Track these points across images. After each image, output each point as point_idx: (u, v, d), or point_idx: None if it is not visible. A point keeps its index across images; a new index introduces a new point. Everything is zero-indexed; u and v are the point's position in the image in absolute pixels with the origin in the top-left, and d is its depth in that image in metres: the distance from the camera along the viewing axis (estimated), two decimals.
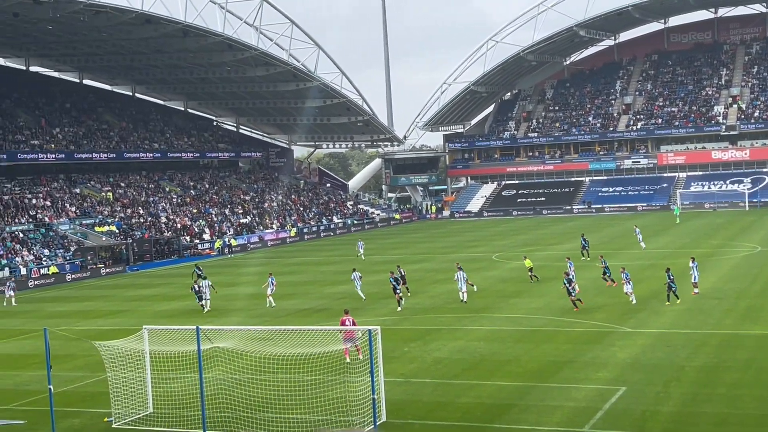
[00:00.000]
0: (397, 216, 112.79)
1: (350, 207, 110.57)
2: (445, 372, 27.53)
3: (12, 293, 52.26)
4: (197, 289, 44.04)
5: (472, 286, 42.92)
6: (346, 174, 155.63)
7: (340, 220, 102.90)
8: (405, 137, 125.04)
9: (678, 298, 36.84)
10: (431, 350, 30.76)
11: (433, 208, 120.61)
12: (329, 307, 42.25)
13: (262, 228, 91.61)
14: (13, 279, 58.38)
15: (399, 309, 39.65)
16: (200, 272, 51.68)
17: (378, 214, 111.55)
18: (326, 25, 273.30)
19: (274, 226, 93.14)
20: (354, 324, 28.78)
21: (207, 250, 79.67)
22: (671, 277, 36.79)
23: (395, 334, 33.56)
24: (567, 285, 37.67)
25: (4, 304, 51.57)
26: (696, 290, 39.04)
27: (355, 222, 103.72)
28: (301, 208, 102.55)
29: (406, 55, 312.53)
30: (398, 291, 40.39)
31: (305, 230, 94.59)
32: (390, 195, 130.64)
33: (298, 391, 24.53)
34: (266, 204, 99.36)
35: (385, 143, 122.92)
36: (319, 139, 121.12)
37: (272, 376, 25.13)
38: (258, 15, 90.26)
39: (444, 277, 48.35)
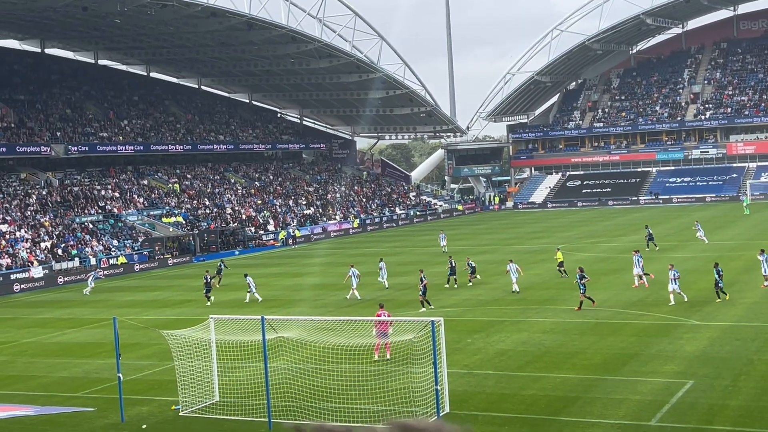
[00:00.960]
0: (460, 207, 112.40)
1: (413, 198, 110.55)
2: (509, 364, 27.40)
3: (92, 284, 53.30)
4: (209, 280, 45.22)
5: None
6: (408, 165, 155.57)
7: (402, 212, 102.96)
8: (468, 128, 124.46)
9: (726, 294, 35.66)
10: (494, 342, 30.65)
11: (497, 199, 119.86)
12: (392, 298, 42.31)
13: (325, 219, 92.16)
14: (98, 270, 59.71)
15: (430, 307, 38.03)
16: (224, 267, 52.85)
17: (441, 206, 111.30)
18: (389, 16, 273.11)
19: (337, 217, 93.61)
20: (387, 321, 27.38)
21: (271, 241, 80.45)
22: (720, 273, 35.66)
23: (459, 325, 33.50)
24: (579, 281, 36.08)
25: (85, 292, 52.60)
26: (766, 283, 38.17)
27: (418, 213, 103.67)
28: (364, 200, 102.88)
29: (470, 46, 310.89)
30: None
31: (368, 221, 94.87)
32: (453, 186, 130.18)
33: (362, 382, 24.66)
34: (329, 195, 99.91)
35: (448, 134, 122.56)
36: (382, 130, 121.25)
37: (336, 366, 25.30)
38: (321, 7, 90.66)
39: (503, 269, 47.99)
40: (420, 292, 38.54)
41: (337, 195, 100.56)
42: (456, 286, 44.40)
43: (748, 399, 22.13)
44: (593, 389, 23.85)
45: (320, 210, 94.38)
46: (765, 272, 38.43)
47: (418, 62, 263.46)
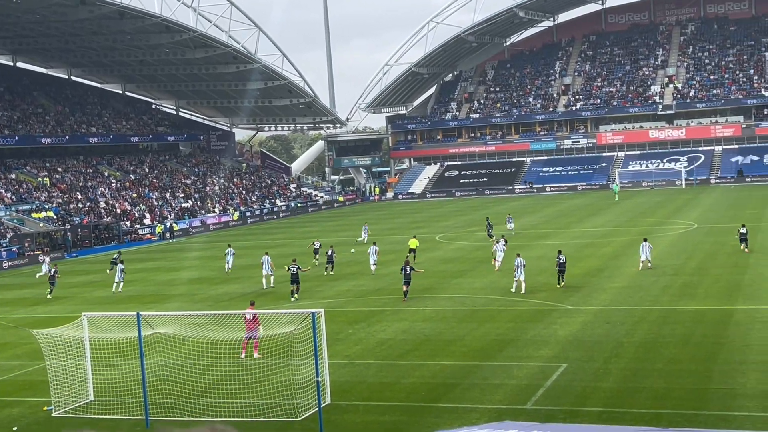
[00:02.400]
0: (341, 198, 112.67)
1: (293, 190, 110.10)
2: (390, 353, 27.64)
3: None
4: (52, 272, 46.11)
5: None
6: (288, 157, 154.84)
7: (283, 204, 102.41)
8: (347, 119, 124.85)
9: (563, 282, 36.93)
10: (376, 332, 30.85)
11: (377, 189, 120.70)
12: (273, 290, 42.08)
13: (204, 212, 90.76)
14: None
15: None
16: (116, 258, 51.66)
17: (321, 197, 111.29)
18: (267, 7, 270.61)
19: (216, 209, 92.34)
20: (255, 318, 26.42)
21: (148, 235, 78.70)
22: (562, 261, 36.98)
23: (340, 316, 33.60)
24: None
25: None
26: (649, 264, 40.04)
27: (299, 205, 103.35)
28: (244, 192, 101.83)
29: (349, 37, 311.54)
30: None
31: (248, 214, 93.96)
32: (333, 177, 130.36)
33: (242, 376, 24.43)
34: (208, 188, 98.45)
35: (328, 125, 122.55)
36: (261, 121, 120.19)
37: (215, 361, 24.98)
38: None
39: (387, 259, 48.47)
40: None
41: (216, 187, 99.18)
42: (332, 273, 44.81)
43: (619, 380, 22.98)
44: (471, 375, 24.30)
45: (199, 203, 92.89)
46: (643, 257, 40.34)
47: (297, 53, 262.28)
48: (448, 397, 22.49)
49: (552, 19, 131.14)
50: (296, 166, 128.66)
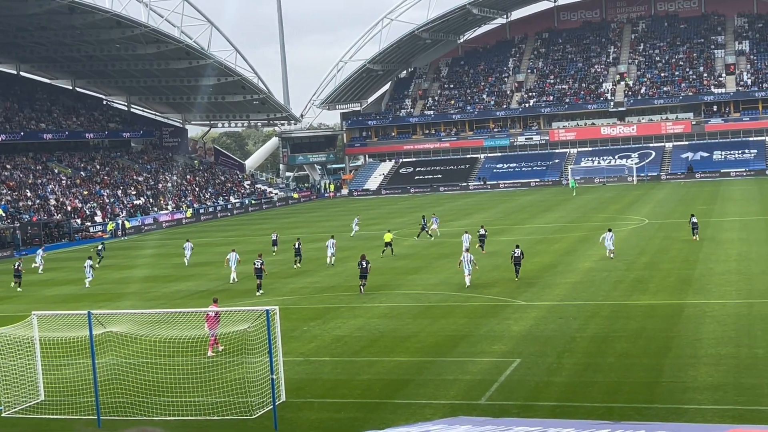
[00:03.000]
0: (296, 195, 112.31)
1: (247, 187, 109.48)
2: (345, 350, 27.61)
3: None
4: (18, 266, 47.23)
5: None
6: (242, 153, 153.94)
7: (237, 200, 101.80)
8: (302, 116, 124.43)
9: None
10: (331, 329, 30.79)
11: (332, 186, 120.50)
12: (227, 288, 41.81)
13: (156, 209, 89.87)
14: None
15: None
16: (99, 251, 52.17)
17: (276, 194, 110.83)
18: (221, 2, 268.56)
19: (169, 207, 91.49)
20: (216, 315, 26.37)
21: (99, 233, 77.71)
22: (516, 254, 38.20)
23: (295, 313, 33.50)
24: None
25: None
26: (611, 255, 42.12)
27: (253, 202, 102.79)
28: (197, 189, 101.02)
29: (303, 33, 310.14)
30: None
31: (201, 211, 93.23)
32: (288, 174, 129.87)
33: (196, 374, 24.23)
34: (160, 184, 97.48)
35: (282, 122, 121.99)
36: (214, 118, 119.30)
37: (168, 360, 24.73)
38: None
39: (343, 256, 48.42)
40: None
41: (169, 184, 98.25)
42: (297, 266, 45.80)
43: (571, 375, 23.19)
44: (426, 371, 24.37)
45: (151, 200, 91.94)
46: (609, 247, 42.47)
47: (252, 49, 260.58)
48: (402, 394, 22.52)
49: (505, 16, 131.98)
50: (250, 163, 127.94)
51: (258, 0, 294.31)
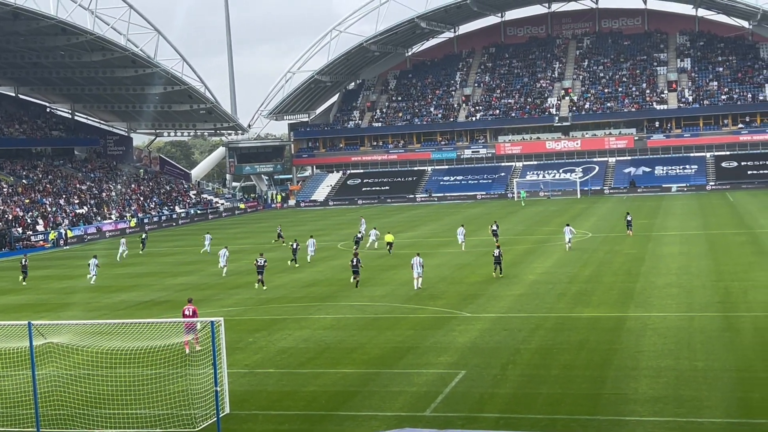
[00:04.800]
0: (242, 205, 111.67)
1: (193, 196, 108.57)
2: (291, 361, 27.50)
3: None
4: None
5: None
6: (188, 163, 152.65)
7: (182, 210, 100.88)
8: (249, 126, 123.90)
9: (501, 273, 38.27)
10: (276, 340, 30.65)
11: (279, 197, 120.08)
12: (171, 299, 41.39)
13: (100, 219, 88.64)
14: None
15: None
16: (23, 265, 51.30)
17: (222, 204, 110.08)
18: (169, 11, 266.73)
19: (112, 216, 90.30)
20: (195, 314, 28.49)
21: (41, 242, 76.37)
22: (496, 254, 42.04)
23: (240, 324, 33.28)
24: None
25: None
26: (568, 247, 50.14)
27: (199, 212, 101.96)
28: (142, 198, 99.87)
29: (252, 43, 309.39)
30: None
31: (146, 221, 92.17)
32: (234, 184, 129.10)
33: (138, 386, 23.92)
34: (104, 193, 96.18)
35: (229, 132, 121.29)
36: (160, 126, 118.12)
37: (111, 372, 24.41)
38: None
39: (288, 267, 48.20)
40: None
41: (113, 193, 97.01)
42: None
43: (515, 387, 23.39)
44: (371, 383, 24.38)
45: (94, 209, 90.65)
46: (568, 238, 50.28)
47: (200, 58, 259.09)
48: (348, 405, 22.50)
49: (453, 30, 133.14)
50: (196, 173, 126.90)
51: (207, 9, 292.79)
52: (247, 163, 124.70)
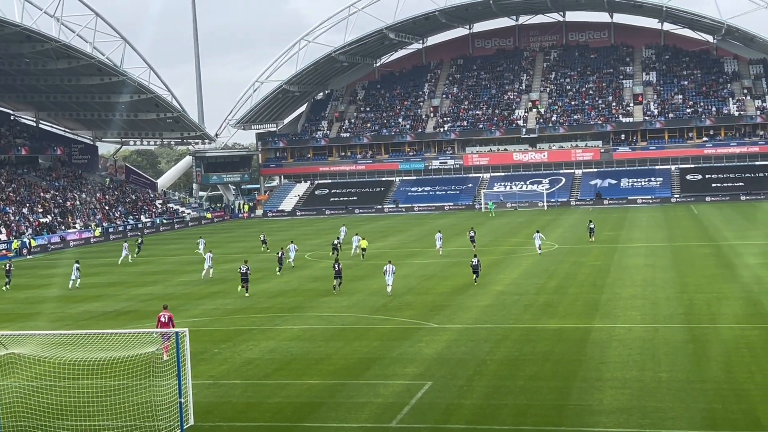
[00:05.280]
0: (209, 215, 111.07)
1: (159, 206, 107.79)
2: (256, 372, 27.33)
3: None
4: None
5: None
6: (155, 172, 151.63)
7: (148, 220, 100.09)
8: (217, 135, 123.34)
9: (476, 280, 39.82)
10: (242, 351, 30.46)
11: (246, 207, 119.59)
12: (136, 309, 41.01)
13: (64, 228, 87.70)
14: None
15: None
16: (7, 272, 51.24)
17: (189, 213, 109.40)
18: (137, 19, 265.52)
19: (77, 225, 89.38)
20: (170, 319, 28.83)
21: (3, 251, 75.36)
22: (474, 262, 43.65)
23: (205, 335, 33.04)
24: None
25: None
26: (539, 251, 53.27)
27: (165, 221, 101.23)
28: (107, 207, 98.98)
29: (220, 52, 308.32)
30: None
31: (111, 230, 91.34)
32: (201, 194, 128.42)
33: (102, 397, 23.64)
34: (69, 203, 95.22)
35: (196, 141, 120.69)
36: (126, 135, 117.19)
37: (74, 383, 24.08)
38: (60, 6, 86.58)
39: (255, 277, 48.03)
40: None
41: (78, 202, 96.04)
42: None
43: (481, 398, 23.41)
44: (337, 394, 24.29)
45: (59, 218, 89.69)
46: (538, 243, 53.69)
47: (168, 67, 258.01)
48: (314, 417, 22.40)
49: (421, 41, 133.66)
50: (162, 182, 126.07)
51: (175, 18, 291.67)
52: (214, 173, 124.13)
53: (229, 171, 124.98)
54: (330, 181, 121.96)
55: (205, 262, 51.70)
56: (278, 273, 50.99)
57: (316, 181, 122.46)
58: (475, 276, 43.53)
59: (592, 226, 62.78)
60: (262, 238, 68.49)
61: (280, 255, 52.60)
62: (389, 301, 39.02)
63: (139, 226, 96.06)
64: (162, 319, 28.84)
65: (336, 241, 61.35)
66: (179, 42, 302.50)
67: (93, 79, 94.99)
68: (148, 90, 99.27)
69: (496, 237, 68.59)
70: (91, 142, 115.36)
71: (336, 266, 43.00)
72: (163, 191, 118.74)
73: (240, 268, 44.05)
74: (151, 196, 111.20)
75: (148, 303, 42.30)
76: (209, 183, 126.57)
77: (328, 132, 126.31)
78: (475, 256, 45.65)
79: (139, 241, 70.12)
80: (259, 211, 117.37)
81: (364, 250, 57.20)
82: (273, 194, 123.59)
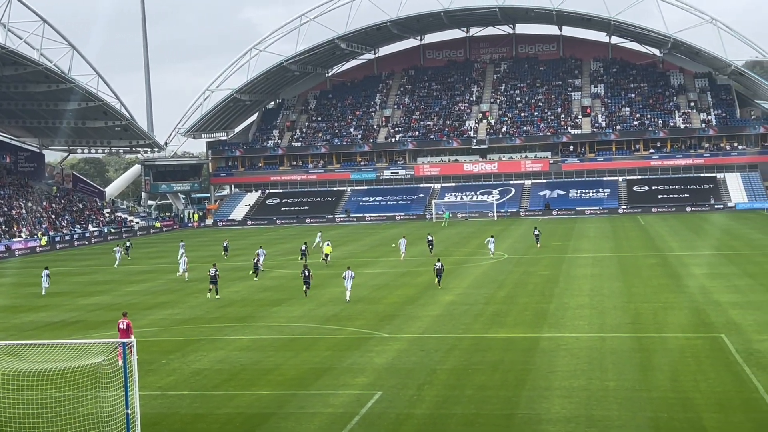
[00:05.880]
0: (158, 224, 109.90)
1: (107, 215, 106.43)
2: (205, 383, 27.09)
3: None
4: None
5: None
6: (102, 180, 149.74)
7: (96, 229, 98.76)
8: (166, 143, 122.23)
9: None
10: (190, 361, 30.17)
11: (196, 216, 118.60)
12: (83, 319, 40.41)
13: (9, 237, 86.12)
14: None
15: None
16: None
17: (137, 222, 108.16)
18: (86, 27, 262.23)
19: (22, 234, 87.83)
20: (128, 327, 29.29)
21: None
22: (438, 266, 45.53)
23: (153, 345, 32.67)
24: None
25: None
26: (491, 254, 57.44)
27: (113, 230, 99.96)
28: (53, 216, 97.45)
29: (171, 60, 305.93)
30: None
31: (57, 239, 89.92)
32: (150, 203, 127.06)
33: (47, 408, 23.21)
34: (14, 211, 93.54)
35: (145, 149, 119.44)
36: (74, 143, 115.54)
37: (17, 394, 23.61)
38: (6, 11, 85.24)
39: (205, 287, 47.65)
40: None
41: (23, 211, 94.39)
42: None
43: (431, 407, 23.47)
44: (287, 405, 24.18)
45: (4, 227, 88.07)
46: (491, 249, 57.82)
47: (118, 75, 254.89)
48: (263, 428, 22.26)
49: (373, 52, 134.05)
50: (110, 191, 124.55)
51: (125, 25, 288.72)
52: (164, 182, 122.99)
53: (179, 180, 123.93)
54: (281, 190, 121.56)
55: (180, 266, 54.57)
56: (255, 279, 52.06)
57: (268, 191, 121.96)
58: (437, 279, 45.06)
59: (537, 233, 66.44)
60: (225, 245, 69.41)
61: (255, 260, 53.79)
62: (340, 311, 38.97)
63: (87, 235, 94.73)
64: (121, 326, 29.42)
65: (303, 247, 62.16)
66: (129, 50, 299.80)
67: (40, 87, 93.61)
68: (96, 97, 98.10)
69: (447, 246, 68.90)
70: (38, 150, 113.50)
71: (305, 272, 43.86)
72: (111, 200, 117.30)
73: (209, 271, 45.49)
74: (99, 204, 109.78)
75: (95, 313, 41.74)
76: (158, 192, 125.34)
77: (279, 141, 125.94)
78: (438, 260, 47.09)
79: (128, 244, 72.48)
80: (209, 221, 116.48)
81: (327, 255, 58.58)
82: (223, 203, 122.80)
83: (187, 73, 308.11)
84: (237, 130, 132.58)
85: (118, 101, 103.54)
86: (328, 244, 60.72)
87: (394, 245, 64.79)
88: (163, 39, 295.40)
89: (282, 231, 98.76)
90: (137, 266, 64.17)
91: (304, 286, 43.88)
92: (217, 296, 44.51)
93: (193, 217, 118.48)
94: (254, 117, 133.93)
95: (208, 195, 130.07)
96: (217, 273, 45.14)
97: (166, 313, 40.97)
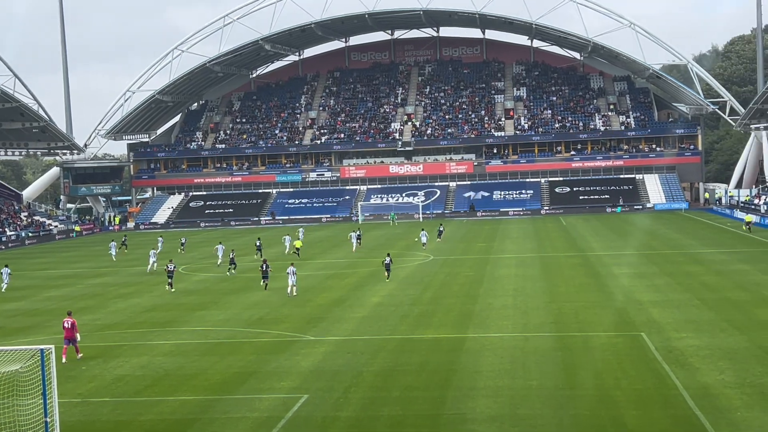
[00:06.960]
0: (78, 228, 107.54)
1: (24, 219, 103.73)
2: (127, 389, 26.59)
3: None
4: None
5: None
6: (19, 183, 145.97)
7: (12, 233, 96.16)
8: (86, 145, 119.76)
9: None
10: (112, 368, 29.58)
11: (117, 219, 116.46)
12: (3, 324, 39.25)
13: None
14: None
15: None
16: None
17: (56, 226, 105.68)
18: (2, 27, 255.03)
19: None
20: (73, 325, 30.92)
21: None
22: (387, 261, 48.55)
23: (72, 352, 31.88)
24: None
25: None
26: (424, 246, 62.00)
27: (30, 234, 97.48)
28: None
29: (91, 61, 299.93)
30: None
31: None
32: (69, 206, 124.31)
33: None
34: None
35: (64, 151, 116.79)
36: None
37: None
38: None
39: (126, 292, 46.81)
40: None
41: None
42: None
43: (358, 409, 23.45)
44: (211, 410, 23.88)
45: None
46: (423, 241, 62.86)
47: (35, 75, 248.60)
48: None
49: (298, 53, 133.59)
50: (28, 194, 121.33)
51: (43, 26, 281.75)
52: (83, 184, 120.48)
53: (99, 182, 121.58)
54: (205, 193, 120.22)
55: (150, 258, 58.07)
56: (233, 272, 54.21)
57: (191, 193, 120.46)
58: (387, 273, 48.19)
59: (441, 228, 73.65)
60: (183, 241, 73.60)
61: (231, 256, 55.33)
62: (266, 314, 38.67)
63: (3, 239, 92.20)
64: (65, 324, 30.90)
65: (258, 243, 65.30)
66: (48, 50, 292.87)
67: None
68: (12, 99, 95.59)
69: (373, 248, 68.97)
70: None
71: (263, 266, 45.91)
72: (28, 203, 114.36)
73: (167, 266, 48.11)
74: (16, 208, 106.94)
75: (14, 319, 40.62)
76: (78, 195, 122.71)
77: (203, 143, 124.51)
78: (388, 255, 50.17)
79: (123, 239, 77.03)
80: (130, 224, 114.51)
81: (298, 249, 62.31)
82: (145, 206, 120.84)
83: (109, 74, 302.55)
84: (159, 131, 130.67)
85: (36, 102, 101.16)
86: (290, 239, 66.89)
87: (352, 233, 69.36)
88: (84, 40, 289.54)
89: (205, 234, 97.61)
90: (56, 271, 62.66)
91: (263, 280, 45.89)
92: (173, 290, 47.39)
93: (114, 220, 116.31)
94: (177, 118, 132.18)
95: (130, 198, 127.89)
96: (175, 268, 48.40)
97: (86, 319, 40.07)
